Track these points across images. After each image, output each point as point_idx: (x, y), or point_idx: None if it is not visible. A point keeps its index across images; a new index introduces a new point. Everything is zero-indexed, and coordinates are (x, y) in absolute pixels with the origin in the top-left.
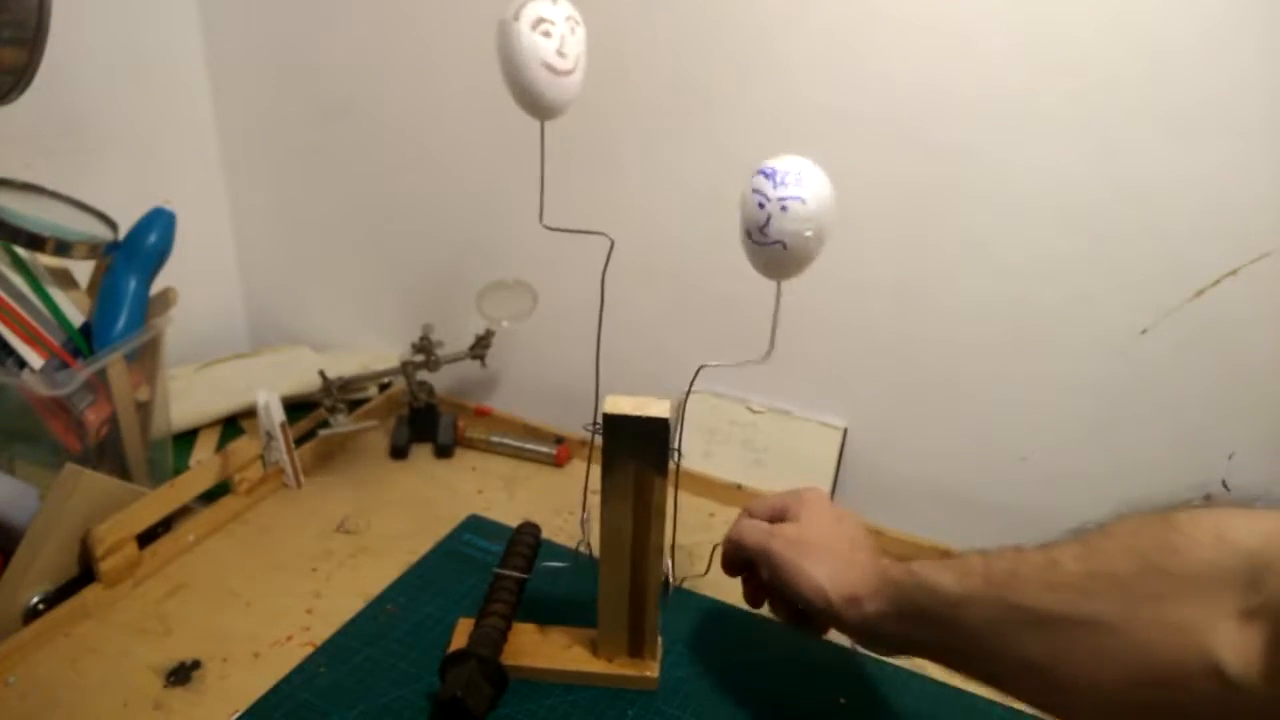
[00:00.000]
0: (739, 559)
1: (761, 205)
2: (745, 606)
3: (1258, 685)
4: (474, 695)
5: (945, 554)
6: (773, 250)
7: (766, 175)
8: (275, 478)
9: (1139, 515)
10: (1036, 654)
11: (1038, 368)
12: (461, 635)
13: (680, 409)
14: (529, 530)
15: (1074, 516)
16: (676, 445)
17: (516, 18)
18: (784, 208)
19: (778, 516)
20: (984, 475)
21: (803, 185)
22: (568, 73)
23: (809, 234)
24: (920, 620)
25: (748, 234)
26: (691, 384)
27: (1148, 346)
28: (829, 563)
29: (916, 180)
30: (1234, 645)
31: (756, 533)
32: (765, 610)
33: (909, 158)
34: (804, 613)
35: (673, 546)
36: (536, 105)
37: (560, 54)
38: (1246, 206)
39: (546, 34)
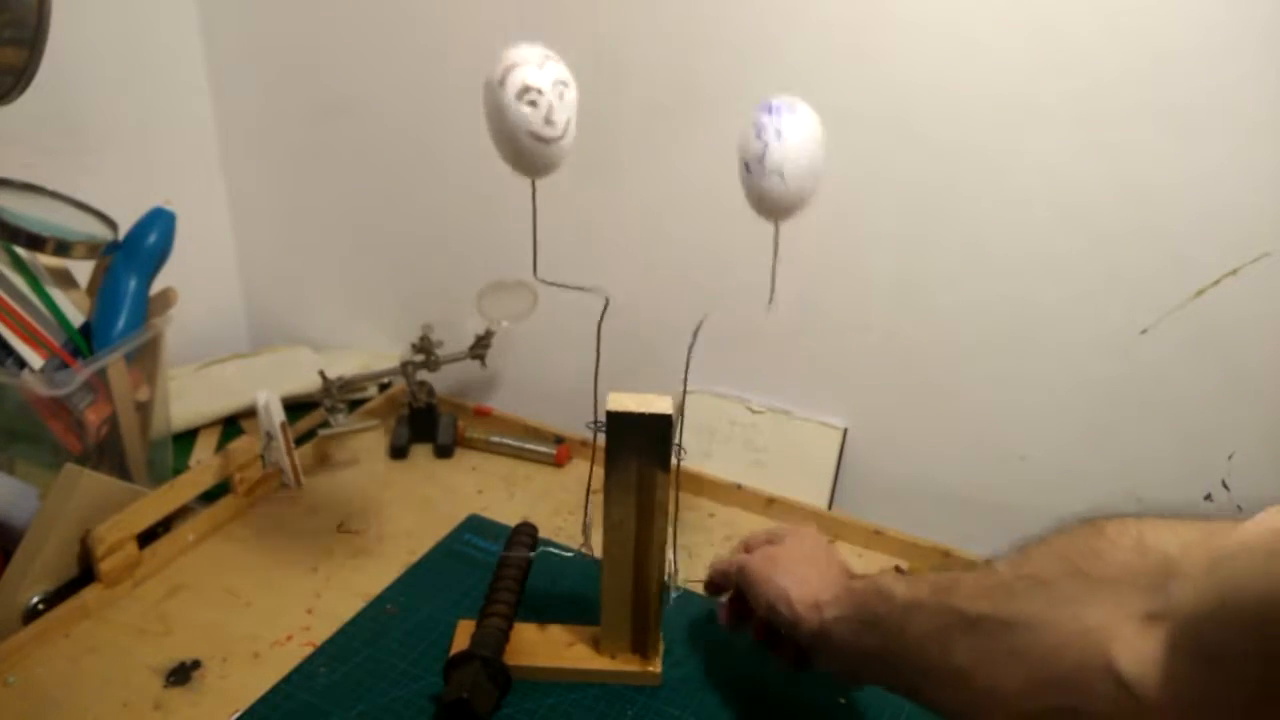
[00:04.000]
0: (719, 582)
1: (759, 135)
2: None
3: (1151, 690)
4: (479, 696)
5: (945, 555)
6: (770, 181)
7: (764, 110)
8: (275, 478)
9: (1075, 523)
10: (963, 658)
11: (1038, 367)
12: (463, 636)
13: (684, 375)
14: (526, 530)
15: (1073, 516)
16: (679, 440)
17: (501, 83)
18: (780, 134)
19: (766, 544)
20: (984, 475)
21: (797, 114)
22: (555, 140)
23: (805, 163)
24: (870, 627)
25: (746, 167)
26: (693, 340)
27: (1148, 346)
28: (797, 574)
29: (917, 180)
30: (1133, 648)
31: (737, 558)
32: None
33: (909, 157)
34: (781, 635)
35: (674, 546)
36: (523, 168)
37: (548, 122)
38: (1247, 206)
39: (533, 103)
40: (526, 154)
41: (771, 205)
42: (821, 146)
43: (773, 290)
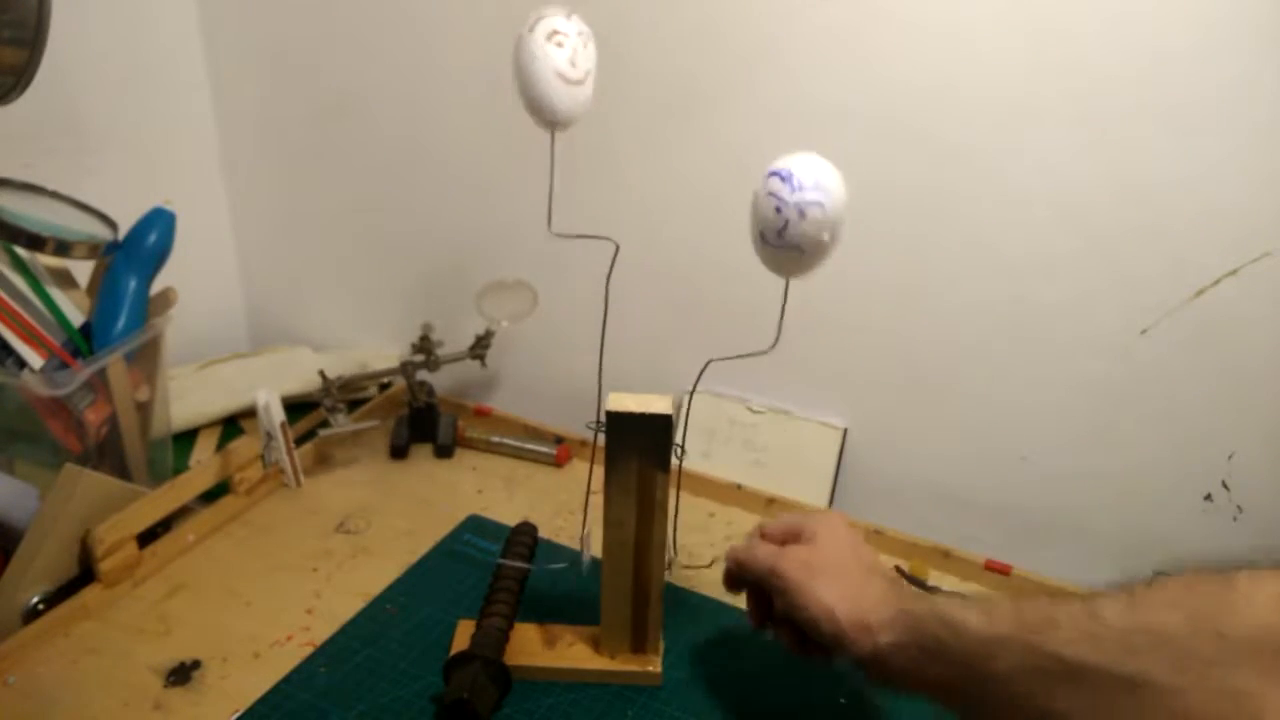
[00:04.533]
0: (743, 578)
1: (779, 210)
2: (745, 606)
3: None
4: (480, 696)
5: (945, 555)
6: (788, 254)
7: (782, 178)
8: (275, 478)
9: (1194, 571)
10: (1068, 708)
11: (1038, 367)
12: (463, 637)
13: (686, 405)
14: (526, 530)
15: (1074, 515)
16: (680, 442)
17: (532, 30)
18: (802, 213)
19: (791, 538)
20: (984, 475)
21: (821, 189)
22: (578, 82)
23: (826, 237)
24: (938, 658)
25: (761, 236)
26: (698, 379)
27: (1148, 346)
28: (840, 586)
29: (917, 180)
30: None
31: (764, 552)
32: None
33: (909, 157)
34: (810, 640)
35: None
36: (548, 113)
37: (572, 64)
38: (1246, 206)
39: (560, 44)
40: (551, 96)
41: (786, 272)
42: (845, 209)
43: (778, 336)
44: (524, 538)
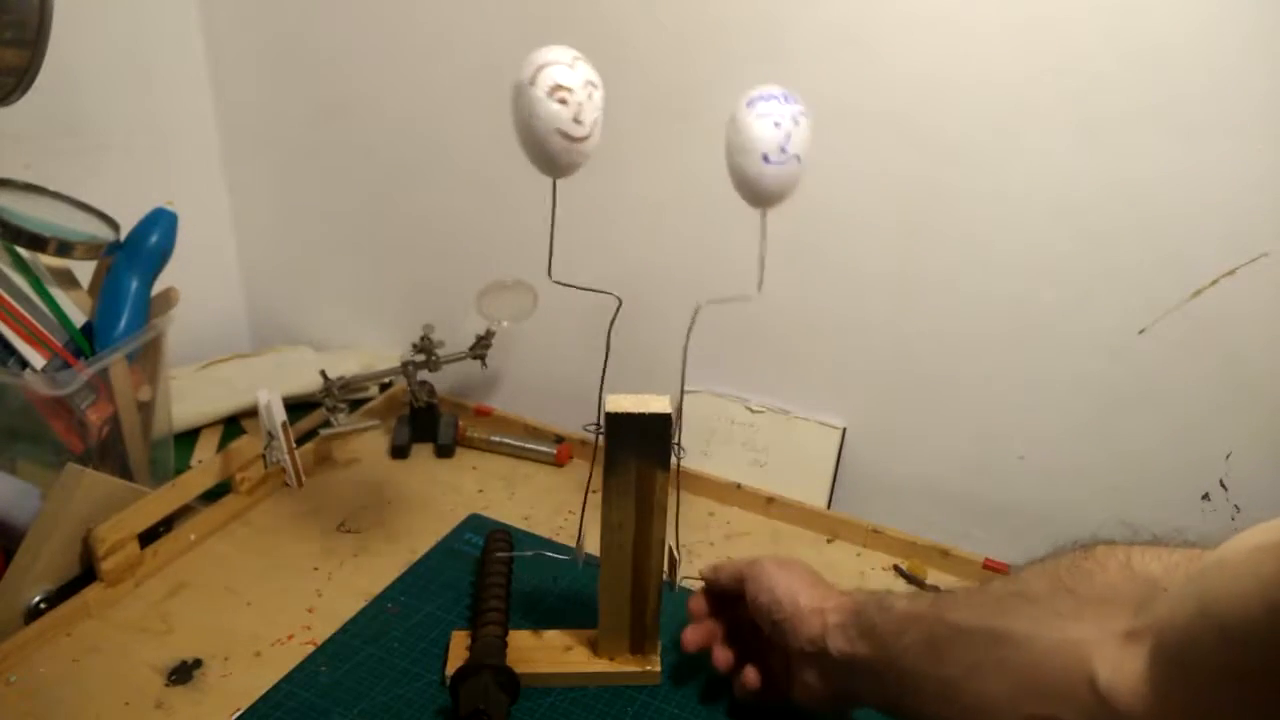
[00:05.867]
0: (717, 583)
1: (777, 124)
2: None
3: (1130, 703)
4: (494, 706)
5: (944, 554)
6: (788, 168)
7: (768, 98)
8: (276, 477)
9: (1069, 547)
10: (953, 669)
11: (1036, 367)
12: (458, 648)
13: (681, 368)
14: (500, 538)
15: (1072, 515)
16: (678, 440)
17: (533, 83)
18: (797, 121)
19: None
20: (982, 474)
21: (800, 100)
22: (583, 139)
23: (809, 146)
24: (865, 635)
25: (764, 158)
26: (690, 326)
27: (1146, 346)
28: (805, 580)
29: (915, 178)
30: (1113, 663)
31: (739, 560)
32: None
33: (908, 156)
34: (772, 680)
35: (676, 543)
36: (549, 168)
37: (577, 121)
38: (1245, 206)
39: (563, 101)
40: (554, 153)
41: (780, 191)
42: None
43: (761, 277)
44: (499, 545)
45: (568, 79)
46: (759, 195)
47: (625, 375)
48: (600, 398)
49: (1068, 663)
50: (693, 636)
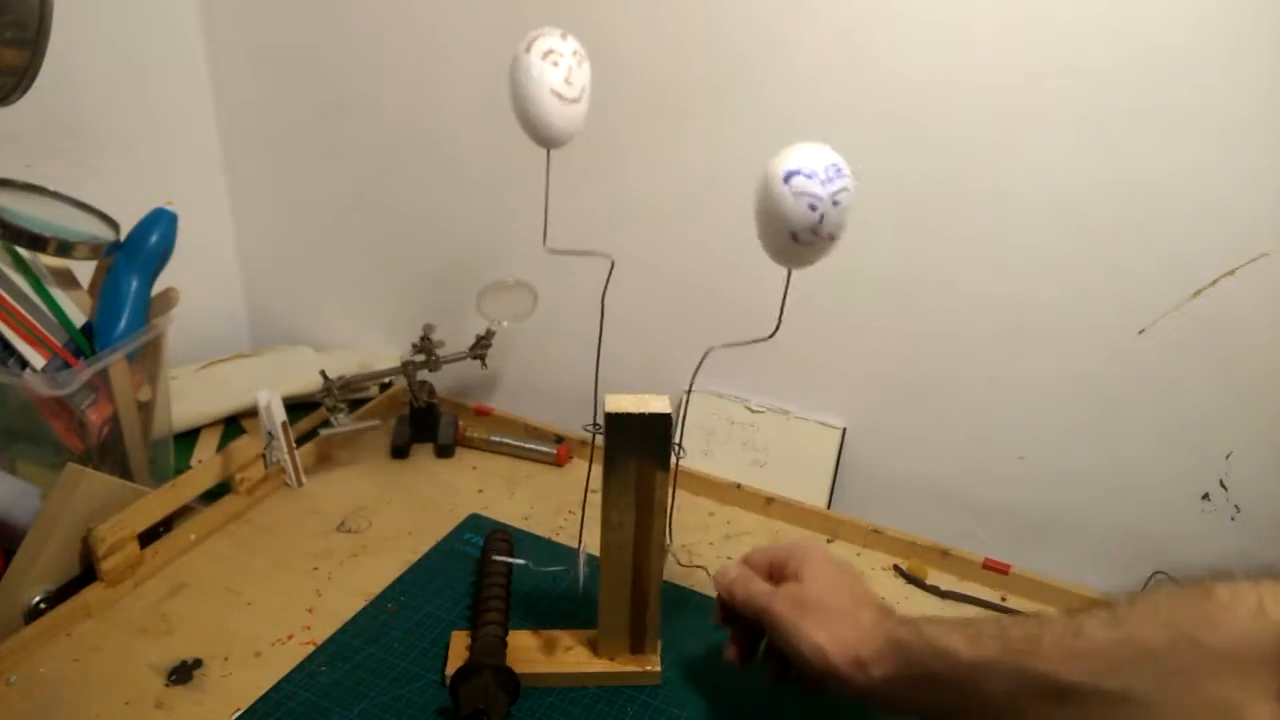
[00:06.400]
0: (734, 614)
1: (813, 207)
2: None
3: None
4: (494, 706)
5: (944, 554)
6: (821, 246)
7: (807, 176)
8: (276, 477)
9: (1174, 585)
10: None
11: (1036, 367)
12: (458, 648)
13: (685, 396)
14: (500, 538)
15: (1072, 515)
16: (678, 439)
17: (528, 49)
18: (835, 202)
19: (777, 569)
20: (982, 474)
21: (842, 174)
22: (573, 100)
23: (848, 217)
24: (931, 686)
25: (794, 237)
26: (698, 368)
27: (1146, 346)
28: (830, 623)
29: (916, 179)
30: None
31: (758, 591)
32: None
33: (908, 156)
34: (793, 670)
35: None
36: (543, 131)
37: (567, 82)
38: (1244, 207)
39: (555, 64)
40: (546, 115)
41: (809, 262)
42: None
43: (779, 323)
44: (499, 545)
45: (559, 45)
46: (785, 261)
47: (625, 375)
48: (597, 393)
49: None
50: (733, 652)
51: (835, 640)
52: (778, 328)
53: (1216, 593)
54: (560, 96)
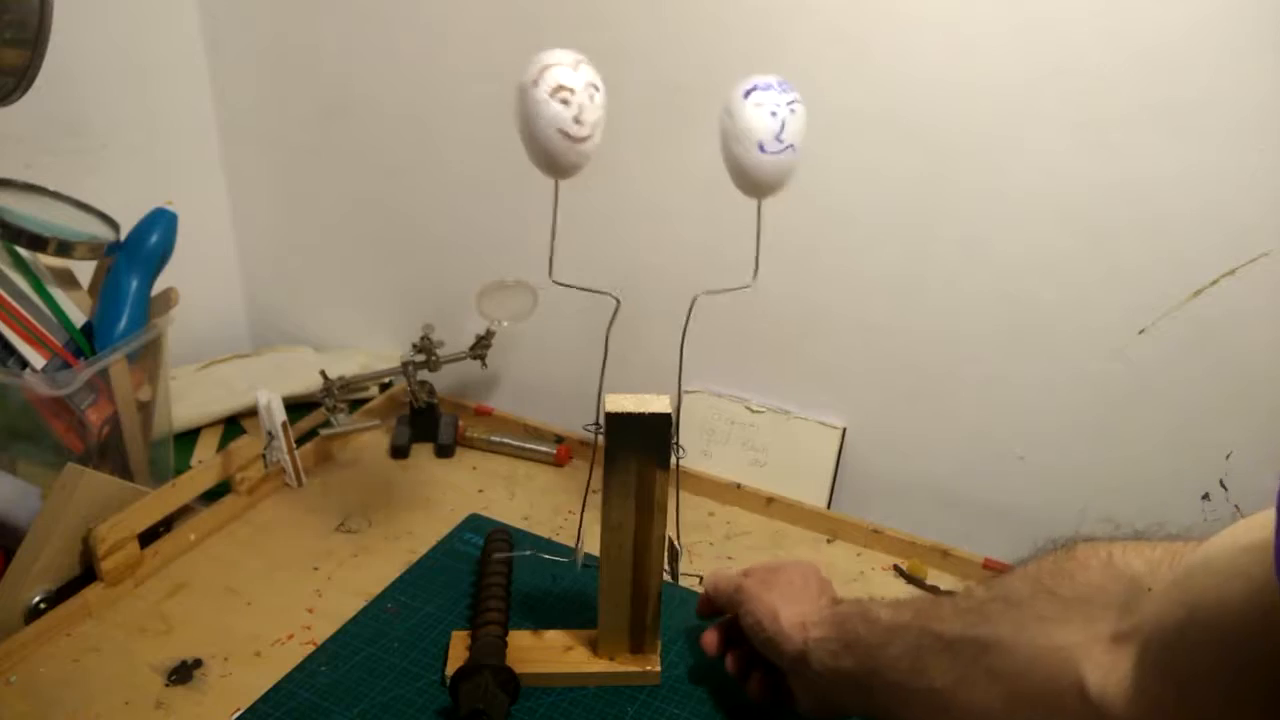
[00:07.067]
0: (714, 601)
1: (773, 113)
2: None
3: (1119, 707)
4: (494, 706)
5: (944, 554)
6: (784, 157)
7: (764, 88)
8: (276, 477)
9: (1049, 547)
10: (940, 680)
11: (1036, 367)
12: (458, 648)
13: (678, 384)
14: (500, 537)
15: (1072, 515)
16: (677, 440)
17: (535, 83)
18: (793, 110)
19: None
20: (982, 474)
21: (794, 89)
22: (584, 139)
23: (803, 135)
24: (849, 648)
25: (760, 147)
26: (689, 315)
27: (1146, 346)
28: (788, 595)
29: (915, 179)
30: (1101, 667)
31: (734, 574)
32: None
33: (908, 156)
34: (747, 664)
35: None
36: (551, 168)
37: (577, 121)
38: (1245, 206)
39: (565, 101)
40: (555, 153)
41: (776, 181)
42: None
43: (757, 267)
44: (499, 545)
45: (570, 80)
46: (755, 185)
47: (625, 375)
48: (600, 398)
49: (1055, 669)
50: (712, 639)
51: (788, 606)
52: (756, 271)
53: (1077, 551)
54: (569, 136)
